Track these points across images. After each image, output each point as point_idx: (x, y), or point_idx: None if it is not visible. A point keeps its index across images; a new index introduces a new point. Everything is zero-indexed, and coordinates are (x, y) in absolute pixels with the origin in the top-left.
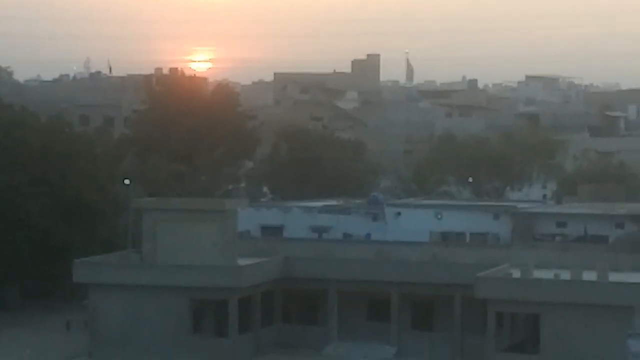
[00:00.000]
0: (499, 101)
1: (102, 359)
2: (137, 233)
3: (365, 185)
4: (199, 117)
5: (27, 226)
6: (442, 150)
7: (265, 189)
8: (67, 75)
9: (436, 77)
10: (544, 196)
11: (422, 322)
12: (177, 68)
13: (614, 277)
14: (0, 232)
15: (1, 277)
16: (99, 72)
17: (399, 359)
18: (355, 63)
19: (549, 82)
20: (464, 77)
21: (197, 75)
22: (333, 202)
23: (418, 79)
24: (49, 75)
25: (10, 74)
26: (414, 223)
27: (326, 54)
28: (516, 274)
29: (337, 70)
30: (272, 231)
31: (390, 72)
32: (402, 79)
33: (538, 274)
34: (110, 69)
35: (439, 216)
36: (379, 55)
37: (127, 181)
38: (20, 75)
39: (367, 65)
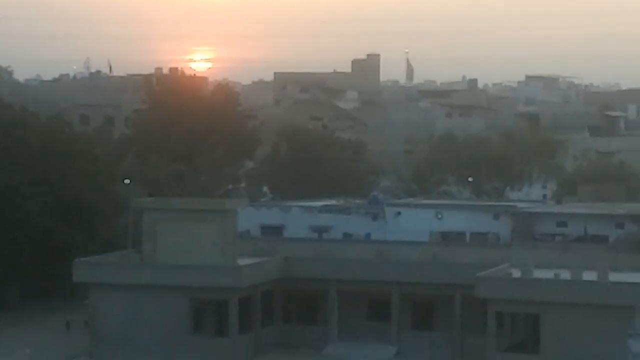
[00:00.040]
0: (499, 101)
1: (103, 359)
2: (137, 233)
3: (365, 185)
4: (199, 117)
5: (27, 226)
6: (442, 150)
7: (265, 188)
8: (67, 75)
9: (436, 77)
10: (544, 196)
11: (423, 322)
12: (177, 68)
13: (614, 277)
14: (0, 232)
15: (1, 277)
16: (99, 72)
17: (399, 359)
18: (355, 63)
19: (549, 82)
20: (464, 77)
21: (197, 75)
22: (333, 202)
23: (418, 79)
24: (49, 74)
25: (10, 73)
26: (414, 223)
27: (326, 53)
28: (516, 273)
29: (337, 70)
30: (272, 231)
31: (390, 72)
32: (402, 79)
33: (538, 273)
34: (110, 68)
35: (439, 216)
36: (379, 55)
37: (127, 181)
38: (21, 74)
39: (367, 65)
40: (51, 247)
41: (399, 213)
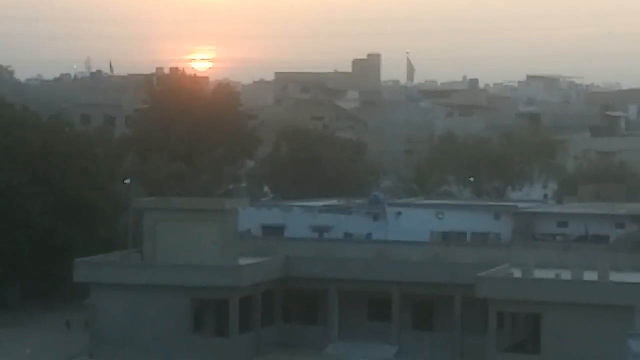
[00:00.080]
0: (499, 101)
1: (103, 359)
2: (137, 233)
3: (365, 185)
4: (199, 116)
5: (27, 226)
6: (442, 150)
7: (266, 188)
8: (68, 74)
9: (437, 77)
10: (545, 196)
11: (423, 322)
12: (177, 68)
13: (614, 277)
14: (0, 232)
15: (1, 277)
16: (99, 72)
17: (400, 358)
18: (355, 63)
19: (549, 82)
20: (464, 77)
21: (197, 74)
22: (334, 202)
23: (419, 79)
24: (49, 74)
25: (11, 73)
26: (414, 223)
27: (327, 53)
28: (517, 273)
29: (337, 70)
30: (273, 231)
31: (391, 71)
32: (403, 79)
33: (539, 273)
34: (111, 68)
35: (440, 216)
36: (379, 55)
37: (127, 181)
38: (21, 74)
39: (368, 65)
40: (51, 247)
41: (400, 213)
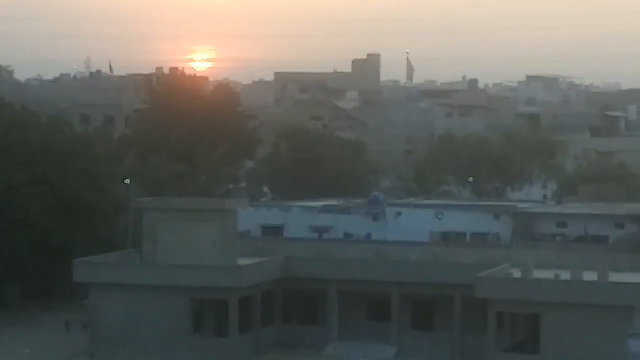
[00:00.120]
0: (499, 101)
1: (103, 359)
2: (137, 233)
3: (365, 185)
4: (199, 117)
5: (27, 226)
6: (442, 150)
7: (265, 188)
8: (68, 74)
9: (437, 77)
10: (545, 196)
11: (423, 322)
12: (177, 68)
13: (614, 277)
14: (0, 232)
15: (1, 277)
16: (99, 72)
17: (399, 359)
18: (355, 63)
19: (549, 82)
20: (464, 77)
21: (197, 75)
22: (333, 202)
23: (418, 79)
24: (49, 74)
25: (10, 73)
26: (414, 223)
27: (326, 54)
28: (517, 274)
29: (337, 70)
30: (273, 231)
31: (391, 72)
32: (403, 79)
33: (538, 274)
34: (111, 68)
35: (440, 216)
36: (379, 55)
37: (127, 181)
38: (21, 74)
39: (368, 65)
40: (51, 247)
41: (400, 213)
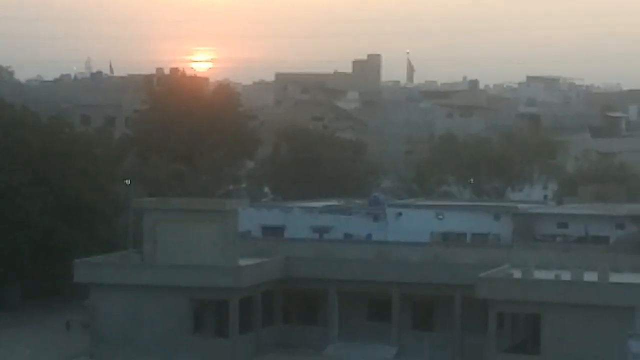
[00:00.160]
0: (499, 102)
1: (103, 359)
2: (137, 233)
3: (365, 186)
4: (199, 117)
5: (27, 226)
6: (442, 150)
7: (266, 189)
8: (68, 75)
9: (437, 78)
10: (545, 197)
11: (423, 323)
12: (177, 68)
13: (614, 277)
14: (0, 232)
15: (1, 277)
16: (99, 72)
17: (399, 359)
18: (355, 63)
19: (549, 82)
20: (464, 78)
21: (197, 75)
22: (334, 203)
23: (419, 79)
24: (49, 75)
25: (11, 73)
26: (414, 223)
27: (327, 54)
28: (517, 274)
29: (337, 71)
30: (273, 231)
31: (391, 72)
32: (403, 79)
33: (539, 274)
34: (111, 68)
35: (440, 216)
36: (379, 55)
37: (127, 181)
38: (21, 75)
39: (368, 66)
40: (51, 247)
41: (400, 214)
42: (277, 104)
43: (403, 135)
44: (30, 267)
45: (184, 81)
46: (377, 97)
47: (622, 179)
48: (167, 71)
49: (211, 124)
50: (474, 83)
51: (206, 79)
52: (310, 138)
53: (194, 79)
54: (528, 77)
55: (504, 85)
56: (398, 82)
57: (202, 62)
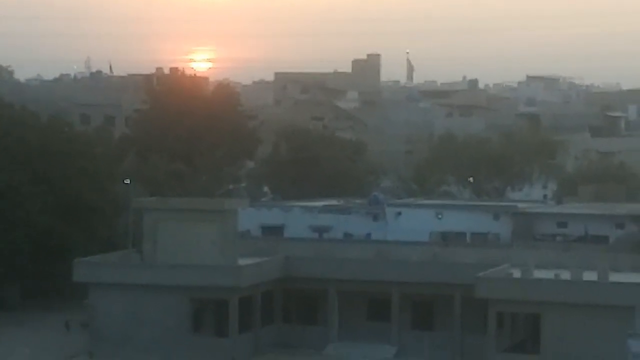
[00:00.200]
0: (499, 101)
1: (103, 359)
2: (137, 233)
3: (365, 185)
4: (199, 116)
5: (27, 226)
6: (442, 150)
7: (265, 188)
8: (68, 74)
9: (437, 77)
10: (545, 196)
11: (423, 322)
12: (177, 68)
13: (614, 277)
14: (0, 231)
15: (1, 276)
16: (99, 72)
17: (399, 358)
18: (355, 63)
19: (549, 82)
20: (464, 77)
21: (197, 74)
22: (333, 202)
23: (418, 79)
24: (49, 74)
25: (10, 73)
26: (414, 223)
27: (326, 53)
28: (517, 274)
29: (337, 70)
30: (273, 231)
31: (391, 72)
32: (403, 79)
33: (538, 274)
34: (111, 68)
35: (440, 216)
36: (379, 55)
37: (127, 181)
38: (21, 74)
39: (368, 65)
40: (51, 247)
41: (400, 213)
42: (276, 103)
43: (403, 135)
44: (30, 266)
45: (184, 81)
46: (377, 96)
47: (621, 178)
48: (166, 71)
49: (211, 124)
50: (473, 83)
51: (206, 79)
52: (310, 138)
53: (194, 78)
54: (528, 77)
55: (504, 85)
56: (398, 81)
57: (201, 61)
